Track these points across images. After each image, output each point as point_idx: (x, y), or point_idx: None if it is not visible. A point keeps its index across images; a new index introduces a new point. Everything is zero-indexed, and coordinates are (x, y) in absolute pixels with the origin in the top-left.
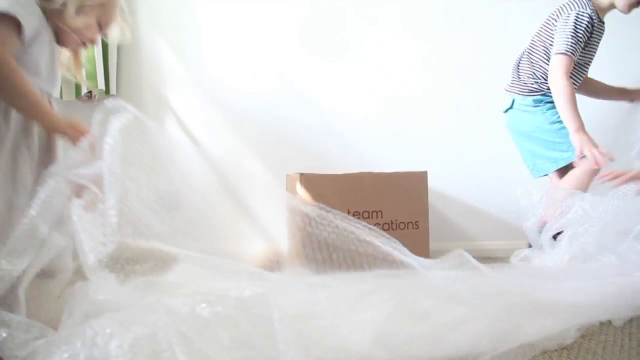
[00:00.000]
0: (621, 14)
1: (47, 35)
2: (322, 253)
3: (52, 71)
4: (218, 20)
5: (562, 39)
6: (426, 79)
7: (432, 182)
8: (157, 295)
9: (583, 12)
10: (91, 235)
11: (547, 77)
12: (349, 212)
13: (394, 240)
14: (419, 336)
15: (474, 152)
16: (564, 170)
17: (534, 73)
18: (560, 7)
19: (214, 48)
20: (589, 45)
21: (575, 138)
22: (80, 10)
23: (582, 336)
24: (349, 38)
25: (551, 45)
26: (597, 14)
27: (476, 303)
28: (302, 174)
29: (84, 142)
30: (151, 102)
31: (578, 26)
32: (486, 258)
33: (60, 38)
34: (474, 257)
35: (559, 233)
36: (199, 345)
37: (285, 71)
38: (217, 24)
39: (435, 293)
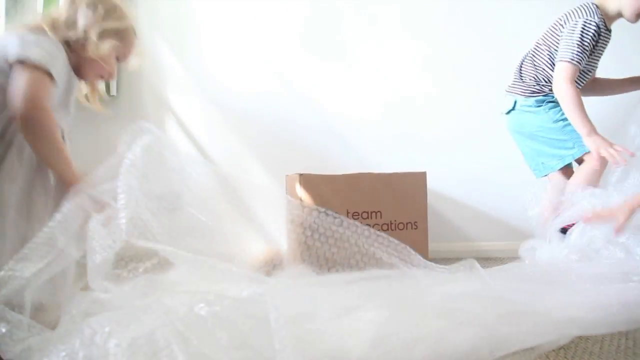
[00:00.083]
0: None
1: (66, 71)
2: (321, 267)
3: (66, 106)
4: (218, 20)
5: (568, 47)
6: (426, 80)
7: (431, 183)
8: (156, 294)
9: (590, 21)
10: (101, 237)
11: (549, 80)
12: (348, 213)
13: (403, 246)
14: (417, 338)
15: (473, 153)
16: (567, 169)
17: (537, 76)
18: (568, 13)
19: (213, 48)
20: (593, 54)
21: (589, 142)
22: (102, 36)
23: (579, 336)
24: (348, 39)
25: (556, 50)
26: (604, 22)
27: (475, 307)
28: (301, 175)
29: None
30: (151, 103)
31: (585, 35)
32: (485, 259)
33: (79, 71)
34: (472, 258)
35: (568, 227)
36: (197, 344)
37: (285, 72)
38: (216, 25)
39: (434, 295)
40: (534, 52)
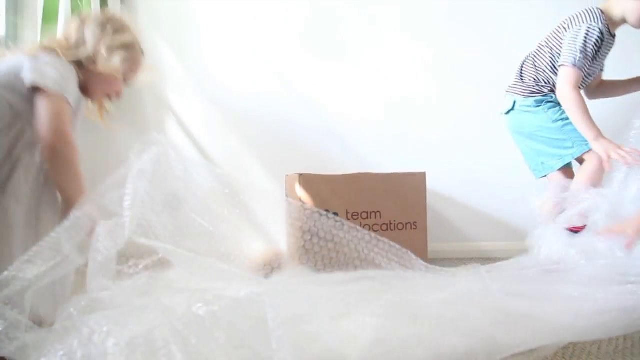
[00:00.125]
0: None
1: (76, 92)
2: (319, 271)
3: (74, 125)
4: (218, 20)
5: (570, 52)
6: (426, 80)
7: (430, 183)
8: (155, 294)
9: (594, 27)
10: (105, 239)
11: (548, 81)
12: (347, 213)
13: (404, 251)
14: (416, 338)
15: (473, 153)
16: (566, 169)
17: (537, 77)
18: (573, 16)
19: (213, 48)
20: (596, 59)
21: (597, 146)
22: (111, 51)
23: None
24: (348, 39)
25: (558, 53)
26: (608, 27)
27: (474, 312)
28: (301, 175)
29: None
30: (151, 103)
31: (588, 41)
32: (485, 259)
33: (87, 90)
34: (472, 258)
35: (576, 229)
36: (195, 344)
37: (285, 72)
38: (217, 25)
39: (433, 296)
40: (535, 53)
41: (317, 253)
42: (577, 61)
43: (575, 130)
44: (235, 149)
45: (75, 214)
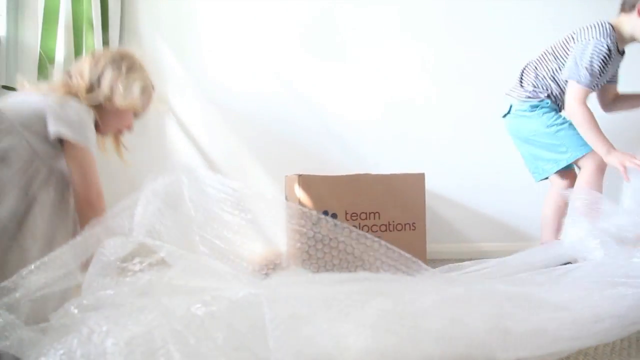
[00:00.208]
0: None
1: (94, 136)
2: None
3: None
4: (218, 21)
5: (576, 68)
6: (425, 81)
7: (429, 184)
8: (156, 294)
9: (602, 43)
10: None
11: (546, 88)
12: (346, 214)
13: (414, 260)
14: (415, 337)
15: (472, 154)
16: (564, 172)
17: (536, 83)
18: (582, 28)
19: (214, 50)
20: (602, 75)
21: (610, 159)
22: (127, 88)
23: None
24: (348, 39)
25: (563, 65)
26: (617, 44)
27: (470, 319)
28: (300, 175)
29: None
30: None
31: (594, 58)
32: (484, 259)
33: (98, 126)
34: (470, 259)
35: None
36: (193, 344)
37: (284, 72)
38: (217, 25)
39: (432, 294)
40: (538, 61)
41: (320, 259)
42: (582, 78)
43: (570, 135)
44: (235, 150)
45: (83, 234)
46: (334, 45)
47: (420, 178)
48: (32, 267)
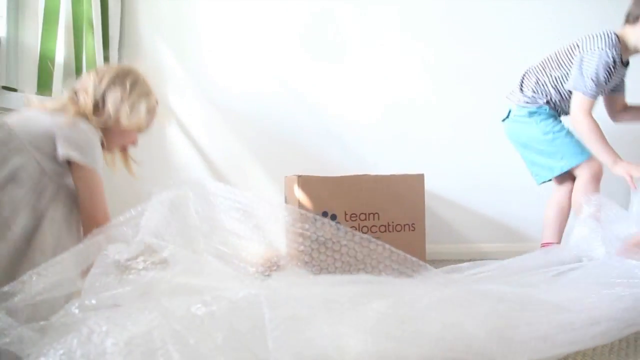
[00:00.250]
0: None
1: (102, 156)
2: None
3: None
4: (218, 22)
5: (582, 78)
6: (425, 82)
7: (429, 185)
8: (156, 294)
9: (608, 54)
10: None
11: (546, 95)
12: (345, 214)
13: (421, 263)
14: (414, 340)
15: (471, 155)
16: (565, 177)
17: (536, 89)
18: (587, 37)
19: (214, 50)
20: (606, 85)
21: (617, 169)
22: (132, 107)
23: None
24: (348, 40)
25: (567, 74)
26: (621, 55)
27: (471, 306)
28: (299, 176)
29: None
30: None
31: (600, 69)
32: (483, 260)
33: (105, 145)
34: (470, 259)
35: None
36: (193, 344)
37: (284, 73)
38: (217, 26)
39: (431, 297)
40: (540, 67)
41: (323, 261)
42: (588, 89)
43: (566, 144)
44: (235, 150)
45: (85, 241)
46: (334, 45)
47: (419, 179)
48: (32, 273)
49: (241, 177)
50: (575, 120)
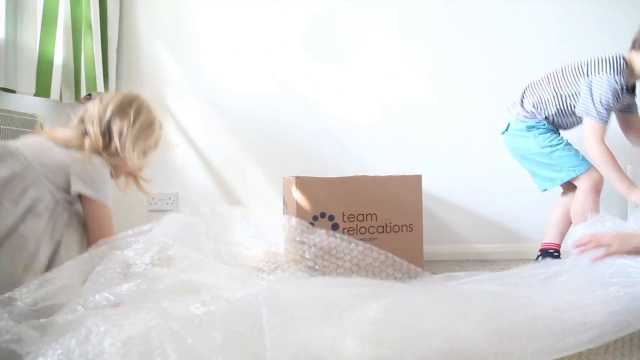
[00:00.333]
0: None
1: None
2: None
3: None
4: (216, 23)
5: (592, 104)
6: (423, 83)
7: (426, 186)
8: (156, 294)
9: (617, 81)
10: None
11: (546, 113)
12: (343, 215)
13: (426, 273)
14: (410, 338)
15: (469, 156)
16: (568, 184)
17: (537, 105)
18: (596, 62)
19: (212, 51)
20: (613, 108)
21: (632, 196)
22: (136, 141)
23: None
24: (346, 42)
25: (570, 96)
26: (626, 81)
27: (468, 306)
28: (297, 177)
29: None
30: None
31: (610, 96)
32: (480, 261)
33: (114, 174)
34: (467, 260)
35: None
36: (191, 343)
37: (282, 74)
38: (215, 28)
39: (427, 296)
40: (546, 82)
41: (326, 267)
42: (600, 116)
43: (564, 156)
44: (233, 151)
45: (89, 251)
46: (332, 47)
47: (417, 180)
48: (36, 281)
49: (239, 178)
50: (588, 146)
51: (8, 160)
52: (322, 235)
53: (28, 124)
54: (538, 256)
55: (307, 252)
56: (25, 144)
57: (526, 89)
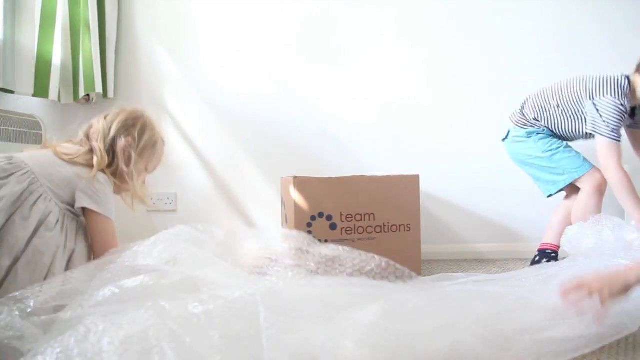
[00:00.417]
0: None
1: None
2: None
3: None
4: (215, 23)
5: (603, 123)
6: (421, 84)
7: (424, 186)
8: (157, 293)
9: (621, 103)
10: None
11: (547, 120)
12: (341, 215)
13: (421, 280)
14: (407, 337)
15: (467, 156)
16: (571, 187)
17: (539, 117)
18: (600, 82)
19: (210, 51)
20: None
21: None
22: (139, 171)
23: None
24: (344, 42)
25: (573, 116)
26: (629, 105)
27: (465, 307)
28: (295, 177)
29: None
30: (148, 105)
31: (617, 117)
32: (478, 260)
33: (116, 190)
34: (465, 260)
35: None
36: (189, 342)
37: (281, 75)
38: (213, 28)
39: (425, 295)
40: (548, 95)
41: (328, 273)
42: (612, 134)
43: (565, 159)
44: (231, 151)
45: (102, 259)
46: (330, 47)
47: (415, 180)
48: (44, 283)
49: (238, 178)
50: (607, 170)
51: (17, 176)
52: (328, 247)
53: (26, 124)
54: (536, 256)
55: (312, 261)
56: (31, 156)
57: (527, 99)
